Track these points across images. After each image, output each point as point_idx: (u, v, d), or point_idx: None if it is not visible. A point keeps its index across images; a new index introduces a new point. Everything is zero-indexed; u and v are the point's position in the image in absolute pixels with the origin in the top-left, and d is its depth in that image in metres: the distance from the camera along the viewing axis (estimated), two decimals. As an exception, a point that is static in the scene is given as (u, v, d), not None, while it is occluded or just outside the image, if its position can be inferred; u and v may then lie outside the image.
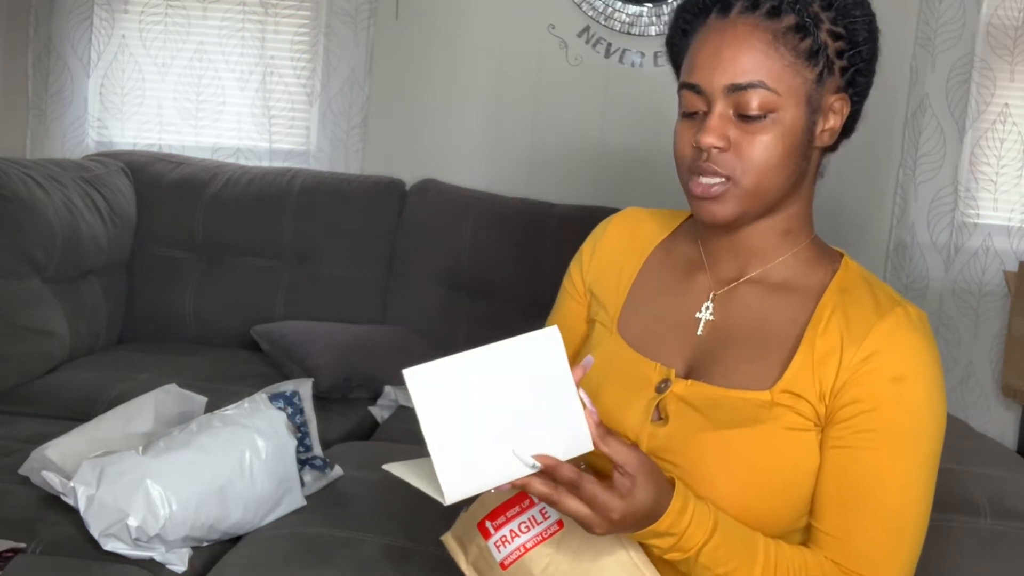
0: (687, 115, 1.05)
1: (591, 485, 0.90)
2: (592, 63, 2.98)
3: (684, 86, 1.04)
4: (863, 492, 1.01)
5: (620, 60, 2.97)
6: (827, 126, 1.05)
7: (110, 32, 2.99)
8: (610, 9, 2.95)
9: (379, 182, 2.83)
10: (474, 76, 3.02)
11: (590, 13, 2.96)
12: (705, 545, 0.96)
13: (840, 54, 1.03)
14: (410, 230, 2.76)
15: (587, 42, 2.98)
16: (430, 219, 2.77)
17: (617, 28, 2.95)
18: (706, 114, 1.02)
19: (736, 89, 1.00)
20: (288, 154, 3.04)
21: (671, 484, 0.97)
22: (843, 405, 1.02)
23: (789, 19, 1.00)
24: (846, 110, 1.06)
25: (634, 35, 2.95)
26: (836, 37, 1.02)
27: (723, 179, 1.02)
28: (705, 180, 1.02)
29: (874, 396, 1.01)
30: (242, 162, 2.98)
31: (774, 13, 1.00)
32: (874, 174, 2.99)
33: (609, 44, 2.97)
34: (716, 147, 1.01)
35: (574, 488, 0.90)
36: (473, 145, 3.04)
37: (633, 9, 2.94)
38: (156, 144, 3.02)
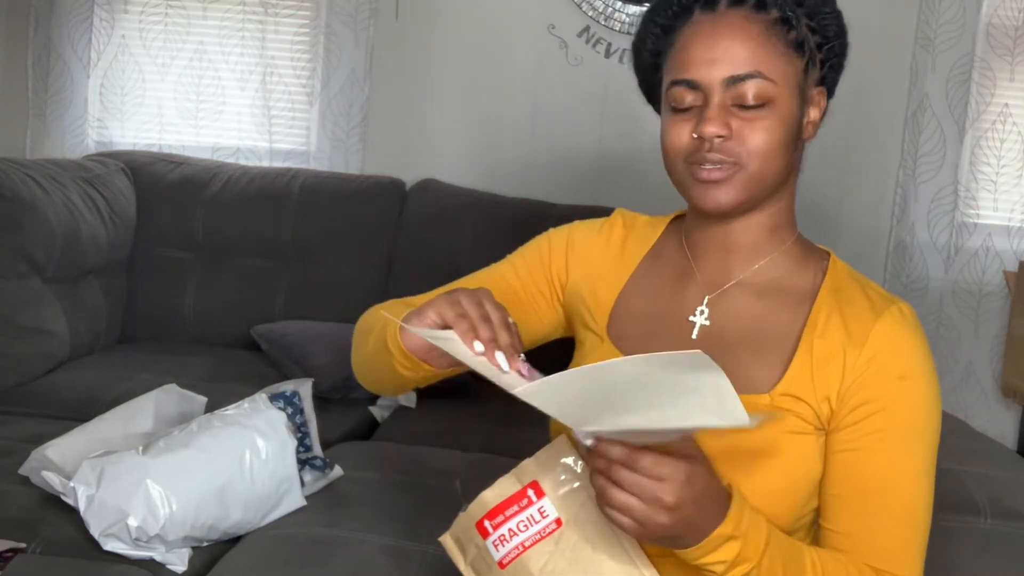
0: (679, 111, 1.05)
1: (648, 455, 0.86)
2: (592, 63, 2.98)
3: (677, 83, 1.04)
4: (879, 490, 1.02)
5: (620, 60, 2.96)
6: (810, 118, 1.07)
7: (110, 32, 2.99)
8: (610, 9, 2.95)
9: (379, 182, 2.83)
10: (474, 76, 3.02)
11: (590, 13, 2.96)
12: (766, 551, 0.94)
13: (819, 47, 1.06)
14: (410, 230, 2.76)
15: (587, 42, 2.98)
16: (430, 219, 2.77)
17: (617, 28, 2.95)
18: (700, 107, 1.03)
19: (736, 81, 1.01)
20: (288, 154, 3.04)
21: (727, 489, 0.94)
22: (852, 408, 1.02)
23: (775, 12, 1.02)
24: (823, 103, 1.08)
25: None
26: (813, 32, 1.05)
27: (729, 163, 1.02)
28: (711, 166, 1.02)
29: (883, 396, 1.01)
30: (242, 162, 2.98)
31: (760, 6, 1.02)
32: (874, 174, 2.99)
33: (609, 44, 2.97)
34: (720, 135, 1.01)
35: (629, 462, 0.86)
36: (473, 145, 3.04)
37: (633, 9, 2.94)
38: (156, 144, 3.02)
